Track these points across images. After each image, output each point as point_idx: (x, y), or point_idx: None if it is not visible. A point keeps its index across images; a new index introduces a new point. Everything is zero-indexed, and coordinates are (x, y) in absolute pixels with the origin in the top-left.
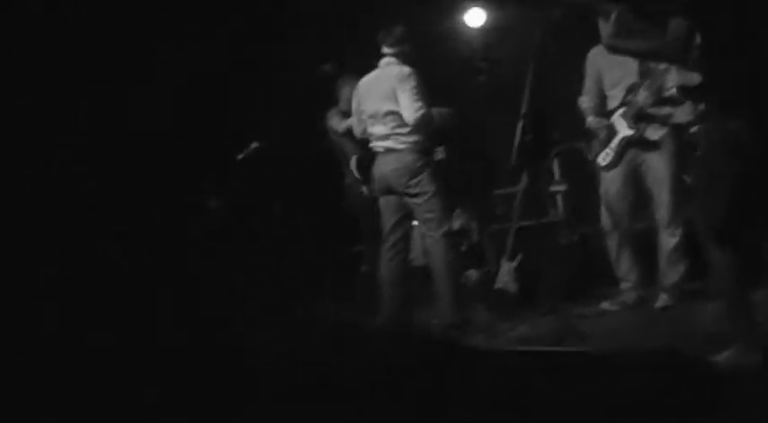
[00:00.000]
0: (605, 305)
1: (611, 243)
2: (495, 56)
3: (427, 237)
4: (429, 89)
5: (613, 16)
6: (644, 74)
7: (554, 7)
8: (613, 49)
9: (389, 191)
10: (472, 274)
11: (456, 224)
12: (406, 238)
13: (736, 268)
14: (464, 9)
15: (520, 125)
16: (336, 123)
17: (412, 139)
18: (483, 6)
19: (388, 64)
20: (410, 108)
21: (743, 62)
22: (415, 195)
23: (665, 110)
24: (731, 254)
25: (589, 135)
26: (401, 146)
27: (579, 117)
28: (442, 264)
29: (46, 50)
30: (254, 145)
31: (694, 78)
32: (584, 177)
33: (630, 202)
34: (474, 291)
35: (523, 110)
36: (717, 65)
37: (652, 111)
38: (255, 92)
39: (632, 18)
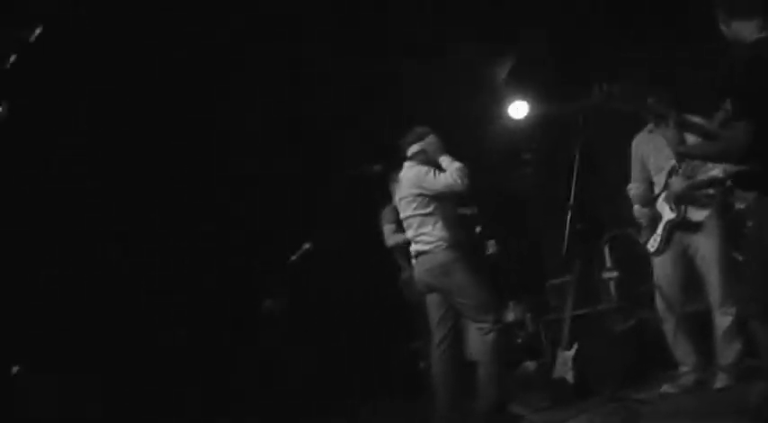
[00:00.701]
0: (665, 388)
1: (668, 327)
2: (539, 147)
3: (476, 329)
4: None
5: (671, 123)
6: (680, 158)
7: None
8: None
9: (430, 289)
10: (529, 365)
11: (510, 316)
12: (455, 332)
13: None
14: (508, 102)
15: (569, 215)
16: (387, 235)
17: (437, 236)
18: (525, 99)
19: (410, 167)
20: (449, 178)
21: None
22: (453, 291)
23: (705, 191)
24: None
25: (638, 222)
26: (428, 246)
27: (627, 202)
28: (488, 350)
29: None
30: (307, 246)
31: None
32: (635, 263)
33: (682, 285)
34: (531, 382)
35: (571, 200)
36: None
37: (693, 193)
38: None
39: (685, 117)
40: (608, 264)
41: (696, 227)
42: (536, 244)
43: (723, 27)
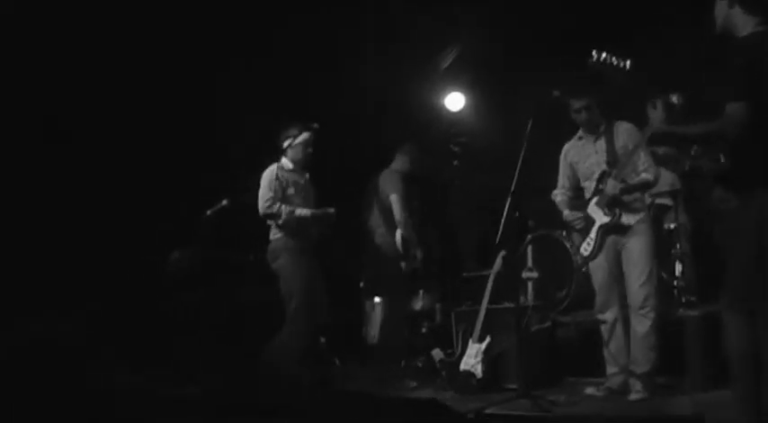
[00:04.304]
0: (590, 391)
1: (604, 328)
2: (470, 140)
3: None
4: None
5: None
6: (611, 163)
7: (552, 89)
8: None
9: None
10: (437, 353)
11: (418, 305)
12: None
13: (747, 338)
14: (444, 94)
15: (508, 202)
16: None
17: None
18: (463, 91)
19: None
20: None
21: None
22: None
23: (635, 196)
24: (744, 323)
25: (568, 227)
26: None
27: (554, 206)
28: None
29: None
30: (224, 202)
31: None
32: (557, 266)
33: (619, 287)
34: (437, 370)
35: (513, 188)
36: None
37: (624, 197)
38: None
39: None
40: (529, 263)
41: (627, 230)
42: (453, 235)
43: (718, 10)
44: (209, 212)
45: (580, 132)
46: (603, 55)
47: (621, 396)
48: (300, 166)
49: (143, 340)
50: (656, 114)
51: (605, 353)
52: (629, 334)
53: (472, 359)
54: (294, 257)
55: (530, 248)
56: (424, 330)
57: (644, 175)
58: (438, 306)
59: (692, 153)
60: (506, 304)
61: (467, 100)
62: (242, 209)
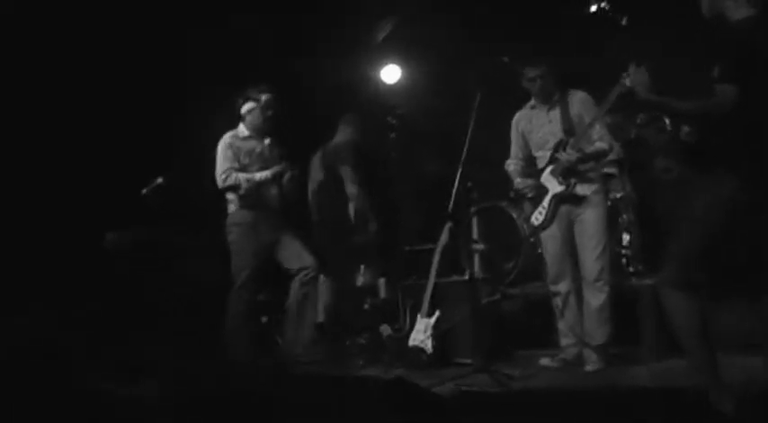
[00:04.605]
0: (545, 362)
1: (556, 300)
2: (407, 111)
3: None
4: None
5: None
6: (568, 131)
7: (498, 57)
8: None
9: None
10: (385, 329)
11: (359, 280)
12: None
13: (696, 313)
14: (380, 65)
15: (459, 171)
16: None
17: None
18: (398, 63)
19: None
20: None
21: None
22: None
23: (590, 165)
24: (693, 299)
25: (518, 196)
26: None
27: (500, 177)
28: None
29: None
30: (159, 180)
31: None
32: (503, 237)
33: (571, 257)
34: (385, 347)
35: (463, 157)
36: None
37: (580, 167)
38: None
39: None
40: (475, 235)
41: (582, 201)
42: (393, 209)
43: None
44: (144, 191)
45: (532, 101)
46: (603, 3)
47: (577, 367)
48: (260, 132)
49: (91, 330)
50: (638, 78)
51: (559, 324)
52: (582, 306)
53: (421, 334)
54: (244, 232)
55: (475, 220)
56: (366, 307)
57: (599, 144)
58: (382, 281)
59: (638, 121)
60: (455, 277)
61: (403, 72)
62: (181, 186)
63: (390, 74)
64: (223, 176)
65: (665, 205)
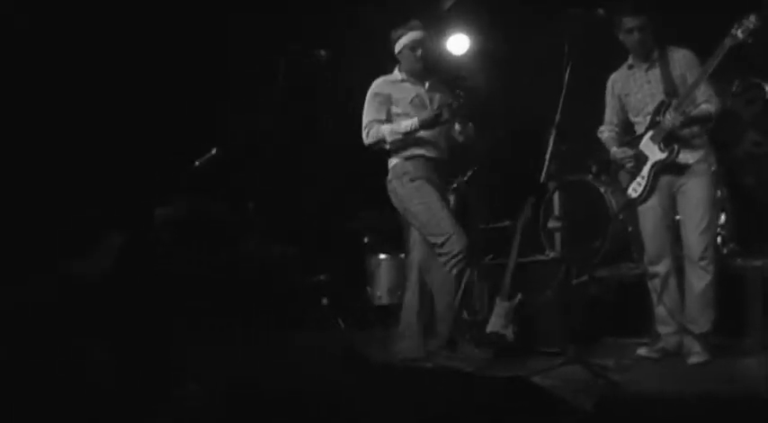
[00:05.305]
0: (642, 352)
1: (654, 283)
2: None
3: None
4: None
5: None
6: (670, 93)
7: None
8: None
9: None
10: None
11: None
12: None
13: None
14: (447, 36)
15: (552, 135)
16: None
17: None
18: (466, 33)
19: None
20: None
21: None
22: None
23: (695, 130)
24: None
25: (614, 167)
26: None
27: (583, 147)
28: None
29: None
30: (213, 151)
31: None
32: (589, 215)
33: (672, 234)
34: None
35: (557, 119)
36: None
37: (683, 132)
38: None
39: None
40: (556, 212)
41: (685, 170)
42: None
43: None
44: (197, 163)
45: (630, 61)
46: None
47: (678, 358)
48: (416, 75)
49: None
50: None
51: (658, 310)
52: (683, 289)
53: (501, 319)
54: (402, 184)
55: (556, 195)
56: None
57: (705, 106)
58: None
59: (734, 89)
60: (538, 257)
61: (471, 43)
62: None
63: (458, 44)
64: (366, 131)
65: (757, 181)
